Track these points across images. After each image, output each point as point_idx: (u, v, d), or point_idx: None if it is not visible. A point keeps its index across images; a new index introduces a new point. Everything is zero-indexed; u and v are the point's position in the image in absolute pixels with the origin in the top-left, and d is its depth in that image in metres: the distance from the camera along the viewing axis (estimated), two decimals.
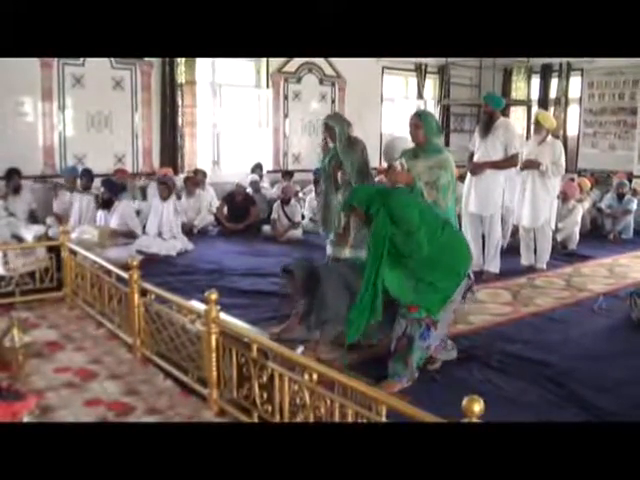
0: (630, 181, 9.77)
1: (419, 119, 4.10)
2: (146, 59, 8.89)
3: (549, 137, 6.45)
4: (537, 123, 6.43)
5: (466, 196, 6.27)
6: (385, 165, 4.69)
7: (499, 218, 6.25)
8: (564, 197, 7.86)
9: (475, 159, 6.18)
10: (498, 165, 6.03)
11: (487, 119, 6.10)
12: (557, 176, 6.48)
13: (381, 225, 3.40)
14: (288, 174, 9.99)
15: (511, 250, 7.00)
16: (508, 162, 6.07)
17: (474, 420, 1.86)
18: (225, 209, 8.73)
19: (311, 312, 4.00)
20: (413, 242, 3.41)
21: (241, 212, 8.63)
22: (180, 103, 9.21)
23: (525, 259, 6.70)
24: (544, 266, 6.59)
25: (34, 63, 7.98)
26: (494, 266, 6.20)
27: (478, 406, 1.86)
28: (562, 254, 7.34)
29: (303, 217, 8.84)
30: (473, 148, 6.28)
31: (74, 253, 5.06)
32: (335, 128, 4.86)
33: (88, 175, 7.50)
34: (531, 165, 6.34)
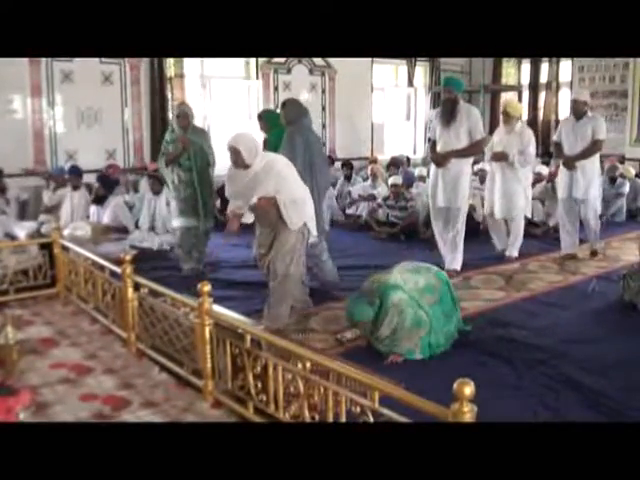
0: (622, 163, 9.78)
1: None
2: None
3: (518, 125, 6.33)
4: (507, 114, 6.26)
5: (432, 190, 5.84)
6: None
7: (465, 211, 5.84)
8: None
9: (438, 149, 5.74)
10: (464, 153, 5.64)
11: (450, 105, 5.66)
12: (525, 166, 6.27)
13: None
14: None
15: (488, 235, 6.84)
16: (474, 149, 5.73)
17: (465, 403, 1.87)
18: (218, 202, 8.70)
19: None
20: None
21: None
22: (170, 97, 9.17)
23: (499, 244, 6.58)
24: (516, 253, 6.41)
25: (22, 59, 7.89)
26: (456, 262, 5.80)
27: (469, 389, 1.87)
28: (554, 238, 7.35)
29: None
30: (434, 138, 5.83)
31: (67, 249, 5.05)
32: None
33: (76, 173, 7.44)
34: (500, 157, 6.22)
